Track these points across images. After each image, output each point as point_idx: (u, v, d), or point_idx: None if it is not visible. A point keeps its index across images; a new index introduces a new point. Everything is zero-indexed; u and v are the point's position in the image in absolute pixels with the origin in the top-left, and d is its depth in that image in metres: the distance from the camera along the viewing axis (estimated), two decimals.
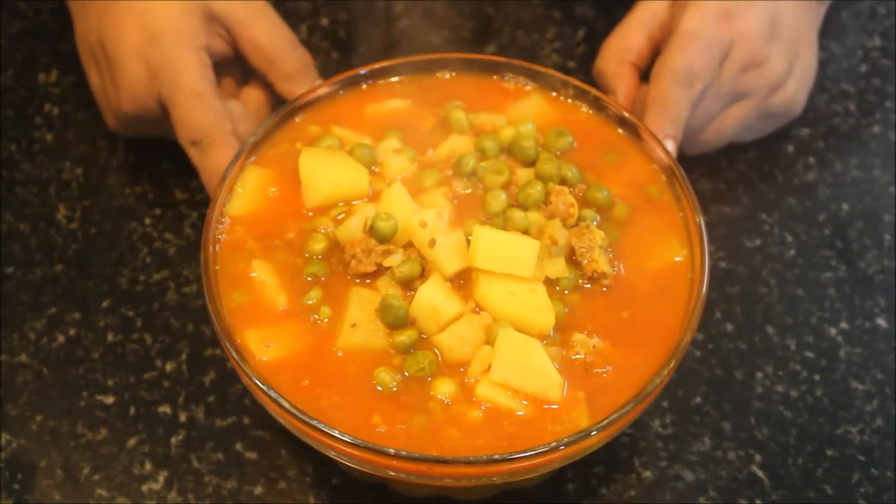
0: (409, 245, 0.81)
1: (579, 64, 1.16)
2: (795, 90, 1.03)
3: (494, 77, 0.94)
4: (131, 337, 0.96)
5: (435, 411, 0.76)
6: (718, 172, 1.08)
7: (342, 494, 0.89)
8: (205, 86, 0.95)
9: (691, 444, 0.91)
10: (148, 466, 0.89)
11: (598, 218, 0.85)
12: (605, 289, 0.81)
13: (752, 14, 0.98)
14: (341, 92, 0.93)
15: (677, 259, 0.83)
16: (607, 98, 0.92)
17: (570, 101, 0.93)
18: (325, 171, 0.85)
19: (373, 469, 0.75)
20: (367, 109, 0.92)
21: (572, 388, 0.77)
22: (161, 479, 0.89)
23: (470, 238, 0.80)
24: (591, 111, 0.92)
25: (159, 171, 1.07)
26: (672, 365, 0.76)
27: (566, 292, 0.81)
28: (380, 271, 0.81)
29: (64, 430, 0.91)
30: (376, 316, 0.79)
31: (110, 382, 0.94)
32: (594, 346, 0.78)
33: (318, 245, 0.83)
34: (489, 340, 0.77)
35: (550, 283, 0.81)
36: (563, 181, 0.86)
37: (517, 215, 0.82)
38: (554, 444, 0.72)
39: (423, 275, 0.80)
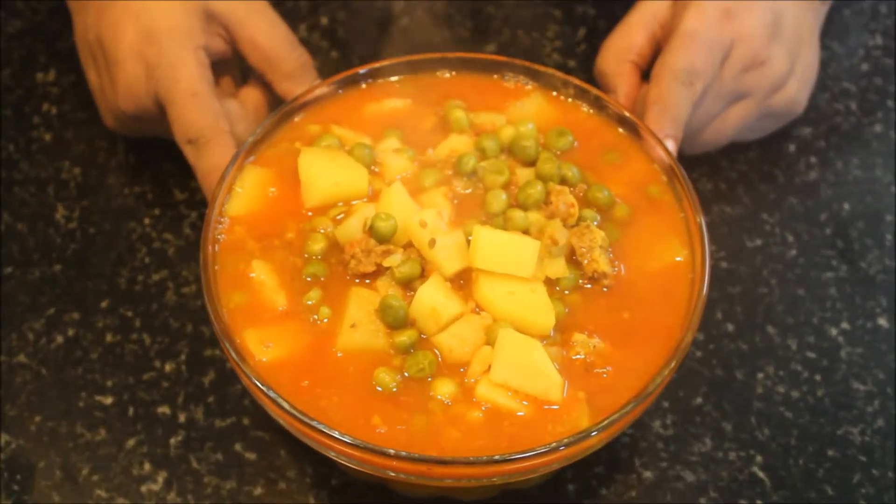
0: (408, 245, 0.81)
1: (580, 63, 1.15)
2: (797, 90, 1.02)
3: (494, 76, 0.94)
4: (130, 337, 0.96)
5: (435, 412, 0.75)
6: (719, 172, 1.08)
7: (342, 495, 0.88)
8: (202, 85, 0.95)
9: (692, 444, 0.91)
10: (147, 467, 0.89)
11: (599, 218, 0.84)
12: (605, 289, 0.81)
13: (754, 14, 0.98)
14: (341, 91, 0.92)
15: (678, 259, 0.83)
16: (608, 97, 0.91)
17: (570, 100, 0.93)
18: (325, 170, 0.85)
19: (373, 469, 0.75)
20: (366, 109, 0.92)
21: (572, 388, 0.76)
22: (160, 479, 0.89)
23: (470, 238, 0.79)
24: (591, 111, 0.92)
25: (158, 171, 1.06)
26: (673, 365, 0.76)
27: (566, 292, 0.81)
28: (379, 271, 0.80)
29: (63, 431, 0.91)
30: (376, 316, 0.79)
31: (109, 383, 0.93)
32: (594, 347, 0.78)
33: (318, 245, 0.82)
34: (489, 341, 0.77)
35: (551, 284, 0.80)
36: (563, 181, 0.86)
37: (517, 215, 0.82)
38: (554, 444, 0.72)
39: (422, 275, 0.80)
